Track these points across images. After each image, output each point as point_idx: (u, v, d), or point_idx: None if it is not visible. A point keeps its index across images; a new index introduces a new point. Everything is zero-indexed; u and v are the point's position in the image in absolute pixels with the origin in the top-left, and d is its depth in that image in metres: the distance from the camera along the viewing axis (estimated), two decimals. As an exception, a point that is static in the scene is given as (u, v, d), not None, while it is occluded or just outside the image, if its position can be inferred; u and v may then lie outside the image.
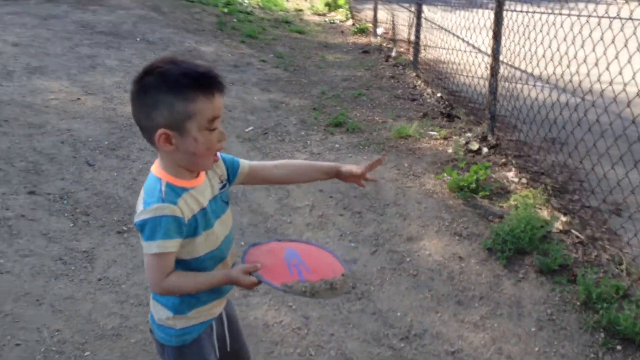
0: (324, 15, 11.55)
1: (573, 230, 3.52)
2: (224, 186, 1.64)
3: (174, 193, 1.47)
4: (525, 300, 3.05)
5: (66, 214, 3.38)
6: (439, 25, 6.73)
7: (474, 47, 5.87)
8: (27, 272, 2.87)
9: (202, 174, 1.57)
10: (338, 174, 1.78)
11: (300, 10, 12.02)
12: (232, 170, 1.69)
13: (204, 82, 1.42)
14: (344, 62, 7.53)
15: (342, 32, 9.85)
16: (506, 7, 4.57)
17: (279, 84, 6.13)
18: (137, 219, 1.45)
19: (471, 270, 3.27)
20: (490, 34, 4.62)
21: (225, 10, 10.00)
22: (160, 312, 1.62)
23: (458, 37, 6.19)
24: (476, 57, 5.52)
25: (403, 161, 4.40)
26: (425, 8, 6.91)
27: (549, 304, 3.03)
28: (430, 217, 3.72)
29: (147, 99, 1.43)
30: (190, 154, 1.47)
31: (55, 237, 3.16)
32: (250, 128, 4.80)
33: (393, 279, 3.20)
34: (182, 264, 1.54)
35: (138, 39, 7.07)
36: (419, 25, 6.79)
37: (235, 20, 9.46)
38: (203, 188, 1.56)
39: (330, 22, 10.74)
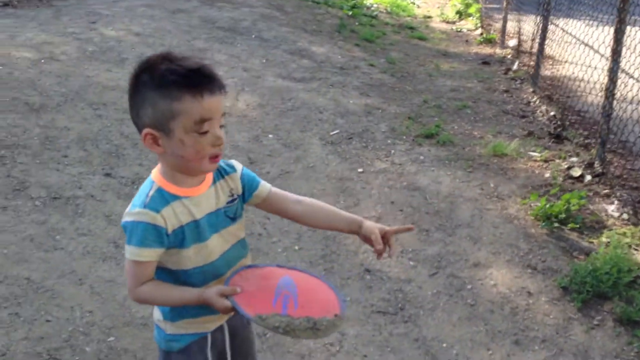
0: (452, 23, 11.19)
1: (669, 280, 3.06)
2: (232, 200, 1.54)
3: (161, 200, 1.40)
4: (594, 351, 2.70)
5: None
6: (573, 38, 6.22)
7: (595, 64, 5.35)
8: (79, 250, 2.99)
9: (207, 182, 1.49)
10: (359, 230, 1.59)
11: (429, 17, 11.75)
12: (248, 188, 1.59)
13: (192, 80, 1.33)
14: (457, 72, 7.22)
15: (467, 41, 9.48)
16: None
17: (381, 89, 5.99)
18: (122, 219, 1.42)
19: (539, 308, 2.95)
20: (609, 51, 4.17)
21: (350, 13, 10.01)
22: (155, 311, 1.58)
23: (596, 51, 5.67)
24: (599, 76, 5.02)
25: (490, 181, 4.08)
26: (560, 21, 6.43)
27: (621, 358, 2.65)
28: (504, 244, 3.41)
29: (136, 96, 1.38)
30: (178, 157, 1.39)
31: (116, 220, 3.27)
32: (336, 131, 4.71)
33: (447, 306, 2.96)
34: (169, 274, 1.48)
35: (253, 36, 7.25)
36: (543, 37, 6.33)
37: (357, 23, 9.43)
38: (202, 199, 1.47)
39: (457, 31, 10.39)
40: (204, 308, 1.48)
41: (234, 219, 1.54)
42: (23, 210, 3.17)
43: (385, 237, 1.57)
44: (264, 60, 6.31)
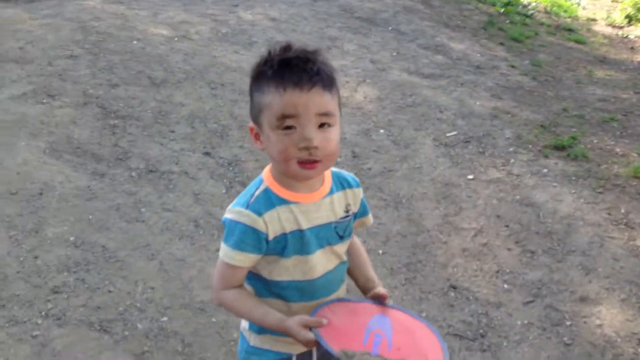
0: (620, 27, 10.17)
1: None
2: (346, 217, 1.42)
3: (267, 201, 1.31)
4: None
5: (225, 180, 3.49)
6: None
7: None
8: (159, 225, 3.02)
9: (323, 190, 1.37)
10: (370, 290, 1.47)
11: (593, 19, 10.78)
12: (362, 210, 1.49)
13: (279, 71, 1.23)
14: (613, 80, 6.51)
15: (632, 48, 8.56)
16: None
17: (516, 92, 5.53)
18: (224, 215, 1.35)
19: None
20: None
21: (502, 10, 9.45)
22: (242, 319, 1.50)
23: None
24: None
25: (621, 205, 3.58)
26: None
27: None
28: (622, 280, 2.96)
29: (249, 88, 1.34)
30: (269, 155, 1.31)
31: (203, 199, 3.28)
32: (453, 133, 4.40)
33: (537, 341, 2.63)
34: (261, 281, 1.39)
35: (390, 28, 7.06)
36: None
37: (507, 21, 8.87)
38: (313, 208, 1.35)
39: (624, 37, 9.41)
40: None
41: (342, 237, 1.42)
42: (118, 180, 3.28)
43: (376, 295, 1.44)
44: (395, 54, 6.10)
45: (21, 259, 2.53)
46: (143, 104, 4.06)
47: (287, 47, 1.27)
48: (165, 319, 2.46)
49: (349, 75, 5.23)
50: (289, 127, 1.22)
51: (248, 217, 1.29)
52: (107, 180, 3.25)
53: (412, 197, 3.57)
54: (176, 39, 5.33)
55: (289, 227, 1.32)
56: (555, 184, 3.78)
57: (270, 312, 1.34)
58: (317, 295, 1.40)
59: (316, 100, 1.22)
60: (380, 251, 3.11)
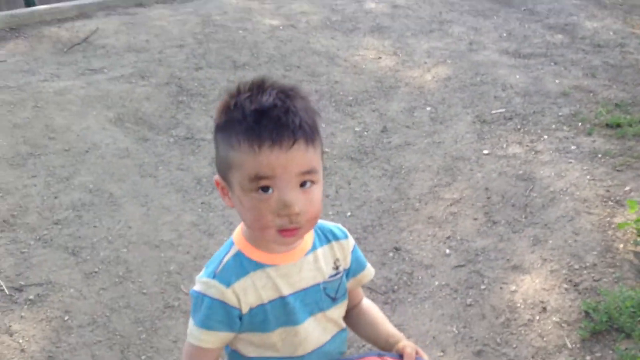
0: None
1: None
2: (336, 274, 1.26)
3: (238, 268, 1.17)
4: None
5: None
6: None
7: None
8: (166, 181, 3.79)
9: (303, 247, 1.22)
10: (395, 345, 1.32)
11: None
12: (356, 265, 1.32)
13: (253, 124, 1.06)
14: None
15: None
16: None
17: (622, 71, 5.19)
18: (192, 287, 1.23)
19: (539, 327, 2.66)
20: None
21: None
22: None
23: None
24: None
25: (630, 184, 3.40)
26: None
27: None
28: (567, 253, 2.96)
29: (214, 133, 1.18)
30: (242, 218, 1.17)
31: (186, 168, 3.95)
32: (500, 110, 4.45)
33: (442, 299, 2.87)
34: (239, 357, 1.26)
35: (523, 9, 6.96)
36: None
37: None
38: (294, 269, 1.20)
39: None
40: None
41: (334, 300, 1.27)
42: (156, 144, 4.12)
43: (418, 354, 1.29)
44: (505, 34, 6.10)
45: (45, 198, 3.47)
46: (215, 84, 4.89)
47: (259, 85, 1.11)
48: (124, 250, 3.19)
49: (432, 56, 5.47)
50: (264, 188, 1.07)
51: (215, 289, 1.15)
52: (147, 144, 4.11)
53: (414, 169, 3.84)
54: (281, 27, 6.09)
55: (267, 296, 1.18)
56: (571, 161, 3.70)
57: None
58: None
59: (297, 159, 1.06)
60: (349, 214, 3.49)
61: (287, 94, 1.10)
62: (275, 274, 1.18)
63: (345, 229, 1.33)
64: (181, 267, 3.07)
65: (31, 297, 2.81)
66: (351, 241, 1.31)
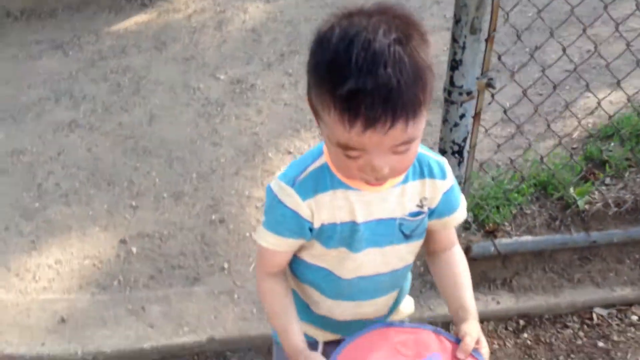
0: None
1: None
2: (418, 213, 1.20)
3: (321, 181, 1.14)
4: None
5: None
6: None
7: None
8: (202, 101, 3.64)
9: (395, 179, 1.14)
10: (458, 322, 1.23)
11: None
12: (443, 207, 1.23)
13: (346, 100, 0.93)
14: None
15: None
16: None
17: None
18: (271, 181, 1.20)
19: None
20: None
21: None
22: None
23: None
24: None
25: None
26: None
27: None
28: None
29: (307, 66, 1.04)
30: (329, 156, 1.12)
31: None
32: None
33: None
34: (300, 264, 1.27)
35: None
36: None
37: None
38: (376, 199, 1.15)
39: None
40: (314, 317, 1.34)
41: (409, 237, 1.22)
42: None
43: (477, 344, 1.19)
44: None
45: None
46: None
47: (374, 28, 0.92)
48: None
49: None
50: (353, 156, 1.00)
51: (291, 199, 1.13)
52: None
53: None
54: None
55: (341, 217, 1.15)
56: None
57: (292, 332, 1.22)
58: (356, 296, 1.27)
59: (396, 135, 0.96)
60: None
61: (402, 48, 0.92)
62: (356, 198, 1.13)
63: (447, 167, 1.21)
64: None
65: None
66: (448, 182, 1.21)
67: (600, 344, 2.23)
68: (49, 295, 2.40)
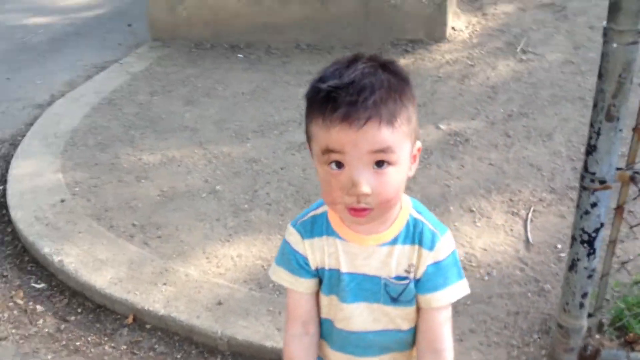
0: None
1: None
2: (404, 278, 1.19)
3: (317, 227, 1.23)
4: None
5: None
6: None
7: None
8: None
9: (385, 236, 1.18)
10: None
11: None
12: (427, 280, 1.19)
13: (325, 100, 1.05)
14: None
15: None
16: None
17: None
18: None
19: None
20: None
21: None
22: None
23: None
24: None
25: None
26: None
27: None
28: None
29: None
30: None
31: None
32: None
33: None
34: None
35: None
36: None
37: None
38: (363, 253, 1.19)
39: None
40: None
41: (395, 301, 1.21)
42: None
43: None
44: None
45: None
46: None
47: (352, 60, 1.10)
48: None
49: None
50: (337, 164, 1.06)
51: (292, 238, 1.25)
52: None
53: None
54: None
55: (329, 264, 1.22)
56: None
57: None
58: (349, 349, 1.29)
59: (368, 137, 1.03)
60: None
61: (374, 70, 1.07)
62: (342, 248, 1.20)
63: (441, 239, 1.19)
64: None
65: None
66: (435, 255, 1.18)
67: None
68: (220, 280, 2.83)
